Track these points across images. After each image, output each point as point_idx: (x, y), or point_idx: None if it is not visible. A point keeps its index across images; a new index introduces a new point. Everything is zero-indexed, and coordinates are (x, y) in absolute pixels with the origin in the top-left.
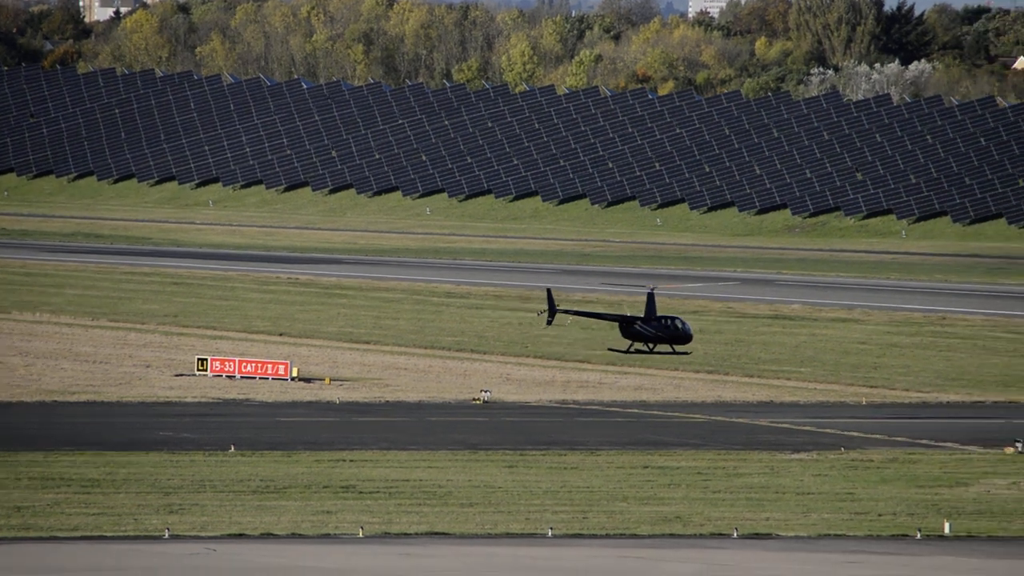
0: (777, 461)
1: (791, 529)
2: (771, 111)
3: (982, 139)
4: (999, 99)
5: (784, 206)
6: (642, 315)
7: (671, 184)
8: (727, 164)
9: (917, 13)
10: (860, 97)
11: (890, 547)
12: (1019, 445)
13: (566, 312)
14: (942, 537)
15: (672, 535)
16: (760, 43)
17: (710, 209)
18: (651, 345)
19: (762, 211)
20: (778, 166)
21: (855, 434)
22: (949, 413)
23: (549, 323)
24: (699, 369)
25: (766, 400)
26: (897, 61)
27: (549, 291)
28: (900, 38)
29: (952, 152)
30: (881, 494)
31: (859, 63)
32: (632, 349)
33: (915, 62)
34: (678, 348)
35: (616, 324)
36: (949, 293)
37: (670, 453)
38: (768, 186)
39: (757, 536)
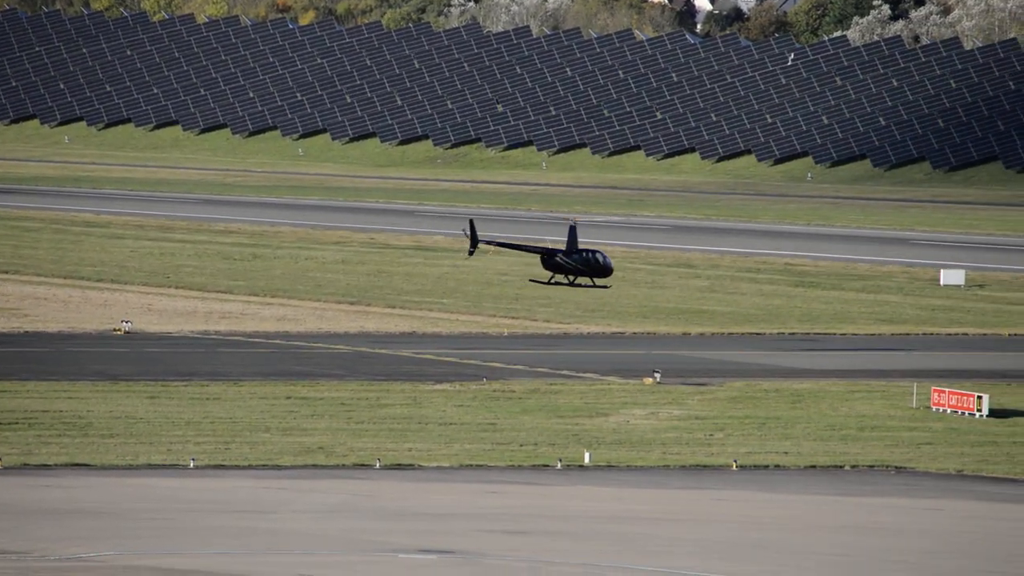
0: (420, 392)
1: (434, 459)
2: (412, 42)
3: (620, 72)
4: (637, 32)
5: (426, 137)
6: (563, 248)
7: (313, 114)
8: (368, 95)
9: None
10: (500, 29)
11: (531, 477)
12: (657, 376)
13: (488, 243)
14: (582, 467)
15: (315, 466)
16: None
17: (352, 140)
18: (571, 277)
19: (404, 142)
20: (419, 97)
21: (497, 365)
22: (589, 344)
23: (471, 254)
24: (342, 300)
25: (409, 331)
26: None
27: (471, 222)
28: None
29: (591, 85)
30: (523, 424)
31: None
32: (553, 281)
33: None
34: (598, 281)
35: (538, 256)
36: (589, 225)
37: (313, 384)
38: (409, 117)
39: (400, 467)
